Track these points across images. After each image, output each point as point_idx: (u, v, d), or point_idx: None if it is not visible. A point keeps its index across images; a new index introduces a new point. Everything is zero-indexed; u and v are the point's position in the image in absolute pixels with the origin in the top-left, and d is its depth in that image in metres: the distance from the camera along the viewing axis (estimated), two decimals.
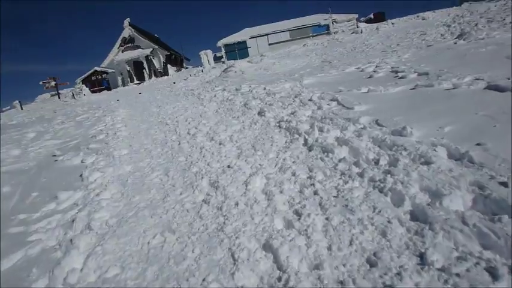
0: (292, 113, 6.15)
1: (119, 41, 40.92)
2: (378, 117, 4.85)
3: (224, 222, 3.10)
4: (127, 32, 40.67)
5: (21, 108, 28.61)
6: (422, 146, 3.63)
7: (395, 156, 3.52)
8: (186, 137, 6.44)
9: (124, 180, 4.79)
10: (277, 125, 5.84)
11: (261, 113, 6.78)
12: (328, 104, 6.26)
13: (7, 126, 14.70)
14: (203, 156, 5.09)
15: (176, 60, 46.45)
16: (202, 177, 4.27)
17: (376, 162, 3.61)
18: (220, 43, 40.50)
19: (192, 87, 16.62)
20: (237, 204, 3.36)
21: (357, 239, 2.52)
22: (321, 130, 4.85)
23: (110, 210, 3.85)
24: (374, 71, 8.91)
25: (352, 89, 7.18)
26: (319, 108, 6.21)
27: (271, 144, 4.95)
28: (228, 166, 4.43)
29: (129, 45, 40.61)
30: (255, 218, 3.06)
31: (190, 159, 5.14)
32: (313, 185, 3.47)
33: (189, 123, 7.58)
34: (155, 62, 40.12)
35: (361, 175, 3.42)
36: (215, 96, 10.50)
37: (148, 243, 3.05)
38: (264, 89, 9.53)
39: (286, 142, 4.96)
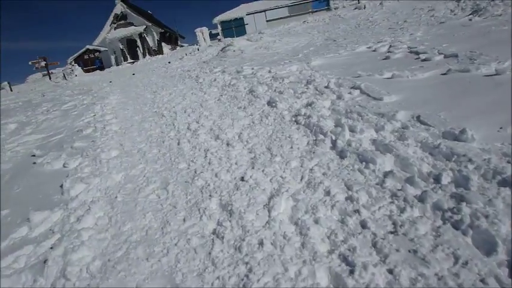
0: (309, 104, 5.23)
1: (111, 18, 39.45)
2: (417, 113, 4.02)
3: (247, 276, 2.20)
4: (119, 8, 39.16)
5: (11, 90, 27.46)
6: (491, 156, 2.84)
7: (463, 173, 2.70)
8: (187, 133, 5.50)
9: (112, 197, 3.83)
10: (294, 119, 4.93)
11: (271, 103, 5.88)
12: (349, 93, 5.37)
13: None
14: (209, 163, 4.15)
15: (171, 38, 45.08)
16: (210, 196, 3.34)
17: (436, 179, 2.79)
18: (217, 20, 39.14)
19: (189, 67, 15.68)
20: (261, 243, 2.47)
21: None
22: (352, 130, 3.99)
23: (92, 246, 2.91)
24: (389, 51, 8.10)
25: (373, 73, 6.29)
26: (340, 98, 5.34)
27: (291, 147, 4.06)
28: (242, 179, 3.53)
29: (122, 22, 39.16)
30: (289, 268, 2.19)
31: (193, 166, 4.20)
32: (357, 211, 2.63)
33: (188, 115, 6.62)
34: (149, 40, 38.77)
35: (421, 199, 2.59)
36: (215, 80, 9.55)
37: None
38: (269, 72, 8.61)
39: (308, 144, 4.09)
